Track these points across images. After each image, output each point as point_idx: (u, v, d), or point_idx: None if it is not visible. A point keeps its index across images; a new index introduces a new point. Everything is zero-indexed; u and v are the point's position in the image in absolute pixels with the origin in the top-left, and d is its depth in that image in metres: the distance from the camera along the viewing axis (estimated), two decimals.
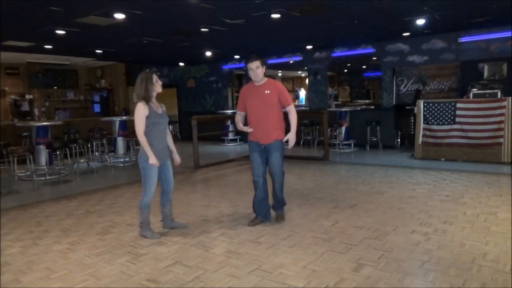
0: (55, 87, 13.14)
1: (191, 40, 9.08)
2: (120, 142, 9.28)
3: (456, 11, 7.11)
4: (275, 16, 6.81)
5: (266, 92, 4.10)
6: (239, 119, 4.29)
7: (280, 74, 18.44)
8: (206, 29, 7.81)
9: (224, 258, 3.38)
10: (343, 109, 10.29)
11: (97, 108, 14.13)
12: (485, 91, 7.71)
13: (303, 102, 17.56)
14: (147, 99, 3.82)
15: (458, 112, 7.66)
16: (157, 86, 3.91)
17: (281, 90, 4.16)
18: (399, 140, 10.14)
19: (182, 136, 14.45)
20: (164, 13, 6.43)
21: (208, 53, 11.47)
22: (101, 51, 10.41)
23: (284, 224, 4.24)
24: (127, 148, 9.33)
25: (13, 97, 12.13)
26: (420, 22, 7.82)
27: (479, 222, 4.08)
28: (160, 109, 3.98)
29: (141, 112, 3.76)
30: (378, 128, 9.73)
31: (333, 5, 6.29)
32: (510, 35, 8.52)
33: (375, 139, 9.79)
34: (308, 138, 10.81)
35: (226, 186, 6.31)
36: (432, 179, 6.25)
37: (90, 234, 4.17)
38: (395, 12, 6.93)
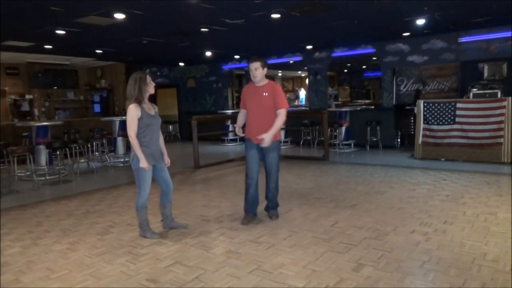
0: (55, 87, 13.14)
1: (191, 40, 9.08)
2: (120, 142, 9.28)
3: (456, 11, 7.11)
4: (275, 16, 6.81)
5: (264, 94, 4.19)
6: (241, 118, 4.41)
7: (280, 74, 18.44)
8: (206, 29, 7.81)
9: (224, 258, 3.38)
10: (343, 109, 10.29)
11: (97, 108, 14.13)
12: (485, 91, 7.71)
13: (303, 102, 17.56)
14: (139, 100, 3.75)
15: (458, 112, 7.66)
16: (150, 87, 3.84)
17: (278, 93, 4.23)
18: (399, 140, 10.14)
19: (182, 136, 14.46)
20: (164, 13, 6.43)
21: (208, 53, 11.47)
22: (101, 51, 10.41)
23: (284, 224, 4.24)
24: (127, 148, 9.33)
25: (13, 97, 12.14)
26: (420, 22, 7.83)
27: (479, 222, 4.08)
28: (152, 110, 3.90)
29: (133, 114, 3.70)
30: (378, 128, 9.73)
31: (333, 5, 6.29)
32: (510, 35, 8.53)
33: (375, 139, 9.79)
34: (308, 138, 10.82)
35: (226, 186, 6.32)
36: (432, 179, 6.25)
37: (90, 234, 4.17)
38: (395, 12, 6.93)
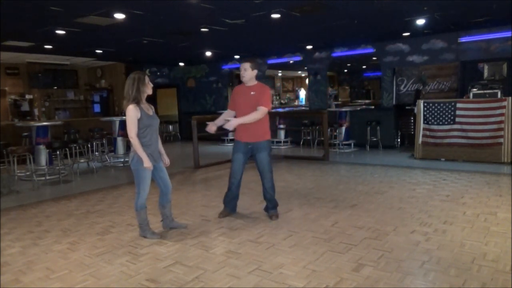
0: (55, 87, 13.14)
1: (191, 40, 9.08)
2: (120, 142, 9.28)
3: (456, 11, 7.11)
4: (275, 16, 6.81)
5: (251, 93, 4.29)
6: (223, 117, 4.52)
7: (280, 74, 18.44)
8: (206, 29, 7.81)
9: (224, 258, 3.38)
10: (343, 109, 10.30)
11: (97, 108, 14.13)
12: (485, 91, 7.70)
13: (303, 102, 17.56)
14: (138, 101, 3.73)
15: (458, 112, 7.66)
16: (149, 88, 3.82)
17: (262, 92, 4.30)
18: (399, 140, 10.14)
19: (182, 136, 14.45)
20: (164, 13, 6.43)
21: (208, 53, 11.47)
22: (101, 51, 10.41)
23: (284, 224, 4.24)
24: (127, 148, 9.33)
25: (13, 97, 12.14)
26: (420, 22, 7.83)
27: (479, 222, 4.08)
28: (150, 110, 3.89)
29: (133, 114, 3.68)
30: (378, 128, 9.73)
31: (333, 5, 6.29)
32: (510, 35, 8.53)
33: (375, 139, 9.79)
34: (308, 138, 10.82)
35: (226, 186, 6.27)
36: (432, 179, 6.24)
37: (90, 234, 4.17)
38: (395, 12, 6.93)
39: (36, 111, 12.37)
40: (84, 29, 7.28)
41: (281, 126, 11.35)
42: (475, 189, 5.47)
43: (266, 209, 4.55)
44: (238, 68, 14.66)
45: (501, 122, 7.24)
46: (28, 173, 7.32)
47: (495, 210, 4.48)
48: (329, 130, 9.22)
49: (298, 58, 12.03)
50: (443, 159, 7.84)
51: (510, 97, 7.20)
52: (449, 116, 7.74)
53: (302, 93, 18.46)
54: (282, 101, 18.07)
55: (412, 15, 7.28)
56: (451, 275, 2.90)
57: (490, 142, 7.36)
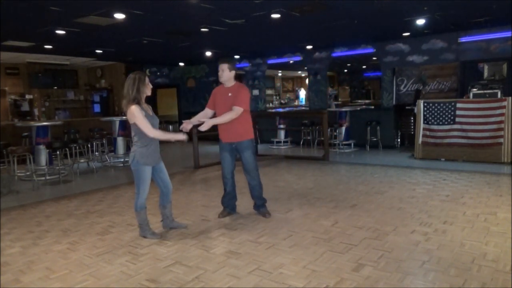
0: (55, 87, 13.14)
1: (191, 40, 9.08)
2: (120, 142, 9.28)
3: (456, 11, 7.11)
4: (275, 16, 6.81)
5: (229, 94, 4.37)
6: (199, 115, 4.50)
7: (280, 74, 18.45)
8: (206, 29, 7.81)
9: (224, 258, 3.38)
10: (343, 109, 10.29)
11: (97, 108, 14.13)
12: (485, 91, 7.70)
13: (303, 102, 17.56)
14: (138, 101, 3.73)
15: (458, 112, 7.66)
16: (148, 88, 3.83)
17: (239, 93, 4.34)
18: (399, 140, 10.13)
19: None
20: (164, 13, 6.43)
21: (208, 53, 11.47)
22: (101, 51, 10.41)
23: (284, 224, 4.24)
24: (127, 148, 9.33)
25: (13, 97, 12.13)
26: (420, 22, 7.83)
27: (479, 222, 4.08)
28: (150, 111, 3.90)
29: (140, 113, 3.68)
30: (378, 128, 9.72)
31: (333, 5, 6.29)
32: (510, 35, 8.53)
33: (375, 139, 9.79)
34: (308, 138, 10.81)
35: None
36: (432, 179, 6.24)
37: (90, 234, 4.17)
38: (395, 12, 6.93)
39: (36, 111, 12.37)
40: (84, 29, 7.28)
41: (281, 126, 11.35)
42: (475, 189, 5.47)
43: (256, 207, 4.61)
44: (238, 68, 14.73)
45: (501, 122, 7.24)
46: (28, 173, 7.32)
47: (495, 210, 4.48)
48: (329, 130, 9.22)
49: (298, 58, 12.03)
50: (443, 159, 7.84)
51: (510, 97, 7.20)
52: (449, 116, 7.74)
53: (302, 93, 18.47)
54: (282, 101, 18.08)
55: (412, 15, 7.28)
56: (451, 275, 2.90)
57: (490, 142, 7.36)
